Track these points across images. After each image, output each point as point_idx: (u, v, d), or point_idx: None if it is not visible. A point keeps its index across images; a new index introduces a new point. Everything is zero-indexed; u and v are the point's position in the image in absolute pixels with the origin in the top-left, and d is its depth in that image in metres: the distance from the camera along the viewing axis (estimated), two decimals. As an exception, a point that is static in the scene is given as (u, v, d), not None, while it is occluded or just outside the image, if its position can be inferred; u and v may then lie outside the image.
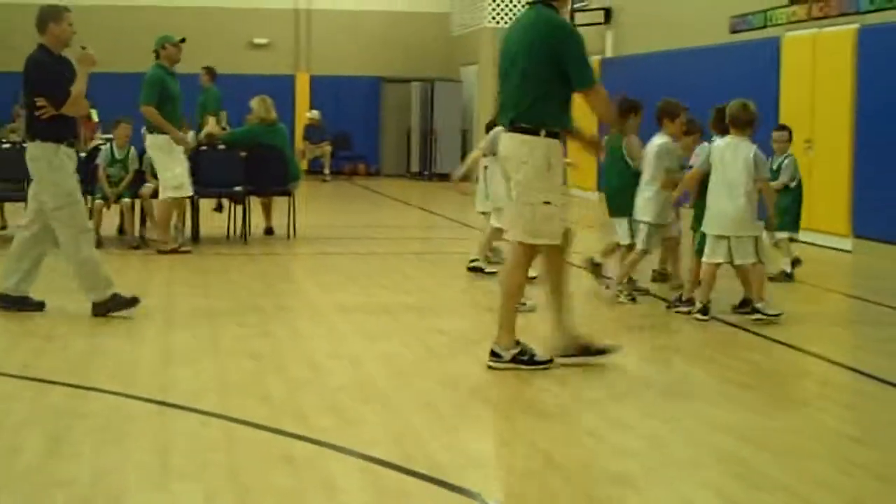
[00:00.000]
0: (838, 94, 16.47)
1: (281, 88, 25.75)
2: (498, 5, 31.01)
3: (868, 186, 15.49)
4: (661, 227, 11.44)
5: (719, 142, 10.76)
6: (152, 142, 14.78)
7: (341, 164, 31.92)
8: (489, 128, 12.70)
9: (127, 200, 15.56)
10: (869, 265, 11.57)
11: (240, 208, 16.26)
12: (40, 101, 10.21)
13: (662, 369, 9.14)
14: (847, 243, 16.06)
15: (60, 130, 10.36)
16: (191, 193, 15.03)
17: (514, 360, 8.43)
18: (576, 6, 26.24)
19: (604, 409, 7.51)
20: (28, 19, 10.83)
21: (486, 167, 13.02)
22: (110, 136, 16.74)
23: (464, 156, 32.07)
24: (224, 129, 19.89)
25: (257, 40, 32.21)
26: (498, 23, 30.87)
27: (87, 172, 14.20)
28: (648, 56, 23.21)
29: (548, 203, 8.34)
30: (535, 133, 8.32)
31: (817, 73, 17.19)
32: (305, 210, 18.78)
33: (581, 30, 26.15)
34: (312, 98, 32.39)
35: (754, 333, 10.06)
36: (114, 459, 6.34)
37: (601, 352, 8.67)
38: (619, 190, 11.92)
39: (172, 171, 14.69)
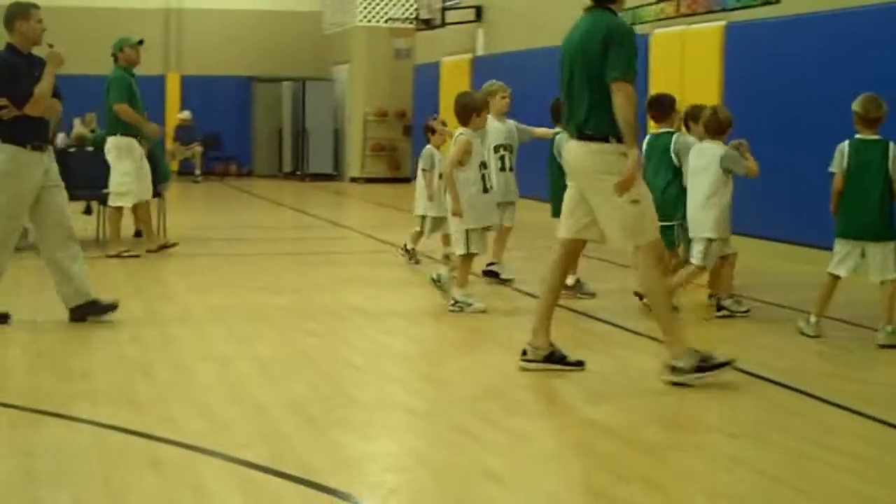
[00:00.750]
0: (706, 90, 16.67)
1: (151, 89, 25.44)
2: (369, 4, 31.04)
3: (737, 181, 15.65)
4: (722, 242, 10.80)
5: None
6: (112, 143, 14.63)
7: (213, 165, 31.74)
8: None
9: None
10: (747, 261, 11.70)
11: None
12: (1, 101, 9.77)
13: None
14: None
15: (23, 132, 9.89)
16: (130, 204, 14.98)
17: (701, 369, 8.04)
18: (447, 4, 26.32)
19: (473, 407, 7.52)
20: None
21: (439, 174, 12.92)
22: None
23: (336, 155, 32.10)
24: (93, 130, 19.65)
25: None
26: (369, 21, 30.91)
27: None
28: (519, 53, 23.34)
29: (636, 202, 8.08)
30: (605, 140, 8.14)
31: (686, 70, 17.42)
32: (176, 211, 18.62)
33: (451, 28, 26.36)
34: (183, 98, 32.15)
35: (631, 332, 10.16)
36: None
37: None
38: (668, 192, 11.07)
39: (122, 175, 14.55)
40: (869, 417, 7.30)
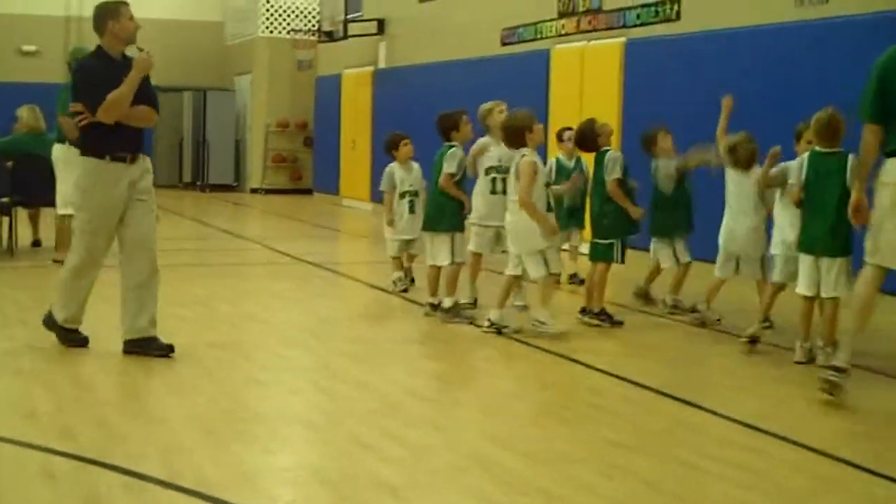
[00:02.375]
0: (606, 105, 16.85)
1: (51, 97, 25.13)
2: (271, 15, 30.98)
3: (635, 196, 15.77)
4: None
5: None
6: (61, 153, 14.52)
7: (113, 175, 31.41)
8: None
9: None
10: (625, 270, 11.83)
11: (6, 220, 15.88)
12: (76, 107, 9.22)
13: (430, 382, 9.18)
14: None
15: (102, 142, 9.18)
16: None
17: None
18: (349, 16, 26.33)
19: (372, 420, 7.54)
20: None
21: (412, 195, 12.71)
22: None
23: (237, 165, 31.95)
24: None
25: (26, 48, 31.53)
26: (272, 32, 30.84)
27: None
28: (421, 67, 23.41)
29: None
30: None
31: (586, 85, 17.59)
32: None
33: (354, 41, 26.32)
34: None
35: (532, 346, 10.20)
36: None
37: None
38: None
39: (69, 185, 14.43)
40: (764, 432, 7.41)
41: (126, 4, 9.39)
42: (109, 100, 9.03)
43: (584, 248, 12.09)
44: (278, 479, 6.44)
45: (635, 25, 16.76)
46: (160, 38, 32.73)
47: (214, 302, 12.38)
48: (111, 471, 6.27)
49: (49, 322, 9.61)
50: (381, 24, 25.84)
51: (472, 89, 20.01)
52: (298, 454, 6.95)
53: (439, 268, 11.31)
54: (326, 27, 27.36)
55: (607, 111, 16.70)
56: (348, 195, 27.29)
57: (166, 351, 9.20)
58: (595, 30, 17.71)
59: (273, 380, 8.77)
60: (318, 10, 29.13)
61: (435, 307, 11.30)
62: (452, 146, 11.38)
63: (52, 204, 16.13)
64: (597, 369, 9.30)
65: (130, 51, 9.42)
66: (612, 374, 9.10)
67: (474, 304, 11.64)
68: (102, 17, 9.31)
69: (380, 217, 13.92)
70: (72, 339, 9.54)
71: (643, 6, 16.58)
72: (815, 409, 8.10)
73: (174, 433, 7.14)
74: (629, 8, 16.90)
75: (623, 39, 16.89)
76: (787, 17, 13.76)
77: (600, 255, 11.12)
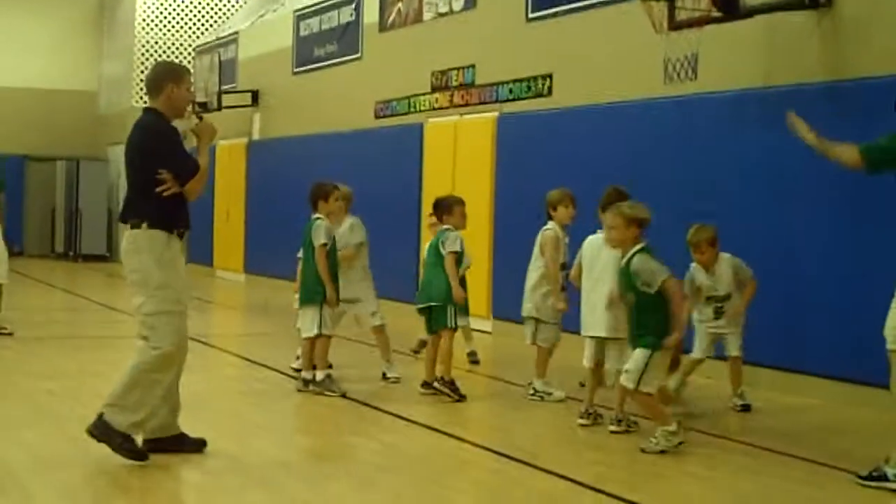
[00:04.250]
0: (479, 179, 17.04)
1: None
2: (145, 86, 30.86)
3: (505, 269, 15.94)
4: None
5: None
6: None
7: (-18, 245, 31.02)
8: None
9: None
10: (507, 344, 11.99)
11: None
12: (164, 176, 8.18)
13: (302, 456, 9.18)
14: (488, 325, 16.60)
15: (175, 215, 8.36)
16: None
17: None
18: (223, 87, 26.35)
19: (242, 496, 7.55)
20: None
21: None
22: None
23: (110, 235, 31.72)
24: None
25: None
26: (145, 102, 30.67)
27: None
28: (295, 138, 23.49)
29: None
30: None
31: (458, 158, 17.79)
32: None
33: (228, 112, 26.31)
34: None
35: (392, 414, 10.28)
36: None
37: None
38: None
39: None
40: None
41: (189, 73, 8.89)
42: (204, 169, 8.38)
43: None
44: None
45: (507, 100, 16.99)
46: (33, 107, 32.60)
47: (86, 376, 12.27)
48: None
49: (99, 425, 8.30)
50: (255, 96, 25.92)
51: (347, 161, 20.20)
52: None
53: (312, 340, 11.34)
54: (201, 98, 27.35)
55: (480, 187, 16.89)
56: (222, 266, 27.20)
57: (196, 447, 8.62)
58: (468, 104, 17.93)
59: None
60: (192, 80, 29.12)
61: (307, 382, 11.32)
62: (319, 219, 11.45)
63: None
64: (454, 437, 9.44)
65: (181, 122, 8.67)
66: (474, 444, 9.21)
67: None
68: (163, 78, 8.51)
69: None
70: (129, 448, 8.27)
71: (515, 81, 16.83)
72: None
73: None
74: (502, 83, 17.14)
75: (495, 114, 17.11)
76: (656, 93, 14.05)
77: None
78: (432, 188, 17.68)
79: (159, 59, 27.32)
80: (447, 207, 11.64)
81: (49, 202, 32.63)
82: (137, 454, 8.19)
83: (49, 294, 22.55)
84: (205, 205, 28.19)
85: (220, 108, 26.48)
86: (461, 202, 11.81)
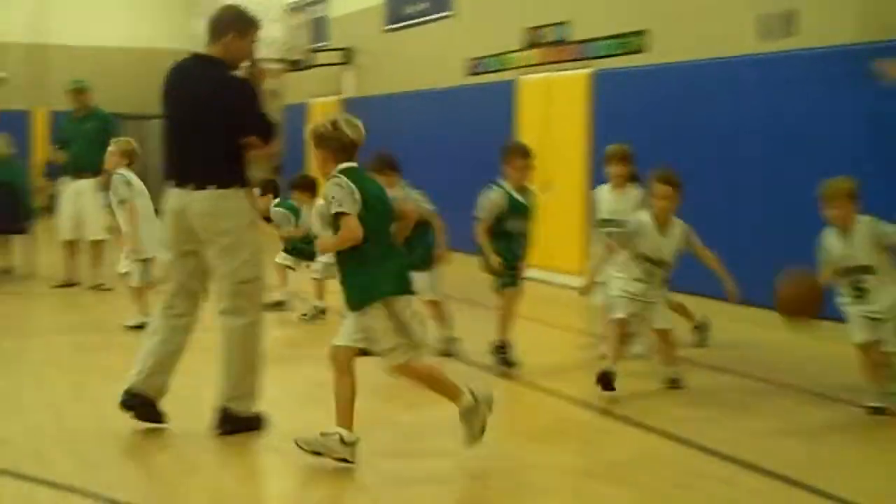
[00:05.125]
0: (572, 137, 16.98)
1: (15, 124, 25.16)
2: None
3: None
4: None
5: None
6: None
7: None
8: None
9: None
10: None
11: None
12: (251, 139, 7.75)
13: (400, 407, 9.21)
14: (580, 281, 16.52)
15: (244, 172, 7.90)
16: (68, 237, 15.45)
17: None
18: (315, 45, 26.43)
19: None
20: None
21: None
22: None
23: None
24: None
25: (-11, 75, 31.52)
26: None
27: None
28: (386, 97, 23.51)
29: None
30: None
31: (552, 116, 17.70)
32: (49, 249, 18.35)
33: (320, 70, 26.30)
34: (53, 134, 31.77)
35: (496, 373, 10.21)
36: None
37: None
38: None
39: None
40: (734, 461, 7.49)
41: (257, 27, 8.02)
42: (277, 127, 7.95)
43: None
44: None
45: (600, 56, 16.89)
46: (127, 66, 32.78)
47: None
48: (88, 497, 6.34)
49: (229, 420, 7.83)
50: (348, 53, 25.94)
51: (438, 119, 20.20)
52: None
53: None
54: (293, 56, 27.42)
55: (573, 143, 16.85)
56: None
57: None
58: (561, 61, 17.85)
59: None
60: (284, 39, 29.18)
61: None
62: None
63: (19, 231, 16.18)
64: (553, 393, 9.43)
65: None
66: (574, 400, 9.21)
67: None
68: (227, 25, 7.86)
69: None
70: (258, 425, 7.91)
71: (609, 37, 16.73)
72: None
73: (148, 460, 7.20)
74: (595, 39, 17.04)
75: (589, 70, 17.02)
76: (749, 50, 13.92)
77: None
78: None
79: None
80: (503, 155, 10.63)
81: (142, 160, 32.87)
82: (263, 421, 7.90)
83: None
84: (297, 164, 28.34)
85: (311, 66, 26.56)
86: (521, 152, 10.64)
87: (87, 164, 15.00)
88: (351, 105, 25.46)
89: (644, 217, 9.50)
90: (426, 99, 21.82)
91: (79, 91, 16.05)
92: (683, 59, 15.18)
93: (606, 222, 10.59)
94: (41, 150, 30.82)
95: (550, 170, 16.77)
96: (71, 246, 15.37)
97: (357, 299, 7.00)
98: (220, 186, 7.66)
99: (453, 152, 20.14)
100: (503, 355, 10.45)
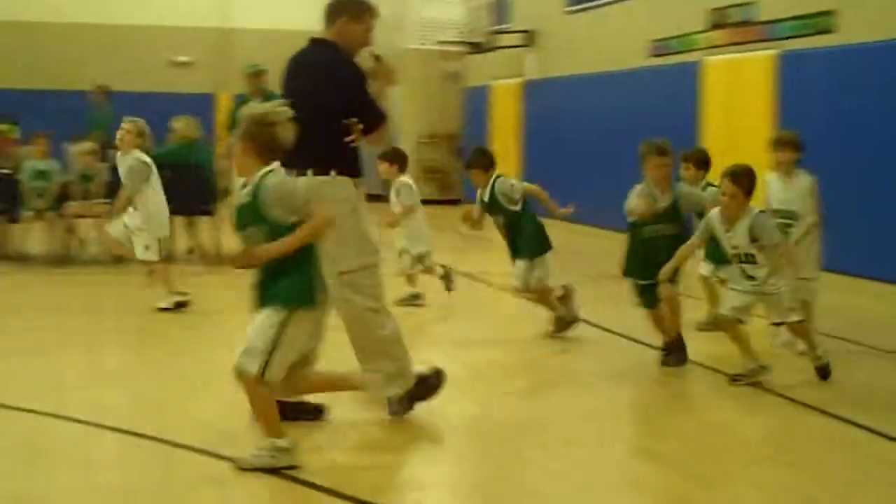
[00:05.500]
0: (758, 119, 16.70)
1: (201, 107, 25.61)
2: (422, 27, 31.02)
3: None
4: None
5: None
6: None
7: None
8: None
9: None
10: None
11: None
12: (352, 123, 7.61)
13: (590, 394, 9.18)
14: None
15: (355, 161, 7.74)
16: None
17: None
18: (497, 28, 26.42)
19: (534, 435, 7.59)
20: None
21: None
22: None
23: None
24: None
25: (178, 58, 32.10)
26: (421, 44, 30.86)
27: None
28: (568, 79, 23.39)
29: None
30: None
31: (737, 98, 17.44)
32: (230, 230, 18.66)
33: (501, 52, 26.30)
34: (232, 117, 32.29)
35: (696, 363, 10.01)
36: (39, 480, 6.36)
37: None
38: None
39: None
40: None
41: (373, 13, 7.98)
42: (389, 119, 7.74)
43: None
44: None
45: (787, 37, 16.59)
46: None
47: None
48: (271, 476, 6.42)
49: (399, 407, 7.80)
50: (530, 35, 25.87)
51: (619, 102, 20.04)
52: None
53: None
54: (474, 38, 27.45)
55: (759, 126, 16.57)
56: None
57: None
58: (746, 42, 17.57)
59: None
60: (465, 21, 29.22)
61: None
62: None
63: (206, 212, 16.47)
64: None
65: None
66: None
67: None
68: (339, 10, 7.86)
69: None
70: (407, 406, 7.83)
71: (796, 18, 16.42)
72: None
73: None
74: (782, 20, 16.74)
75: (775, 52, 16.72)
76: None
77: None
78: (710, 129, 17.45)
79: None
80: (641, 155, 10.05)
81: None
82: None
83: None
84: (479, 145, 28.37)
85: (493, 48, 26.56)
86: (659, 150, 9.96)
87: None
88: (532, 87, 25.41)
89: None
90: (607, 81, 21.65)
91: (255, 74, 16.30)
92: (874, 39, 14.82)
93: (777, 213, 10.24)
94: (224, 132, 31.43)
95: (737, 155, 16.54)
96: None
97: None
98: (318, 172, 7.52)
99: (635, 135, 19.94)
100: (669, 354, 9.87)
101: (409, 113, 31.32)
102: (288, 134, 6.59)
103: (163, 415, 7.86)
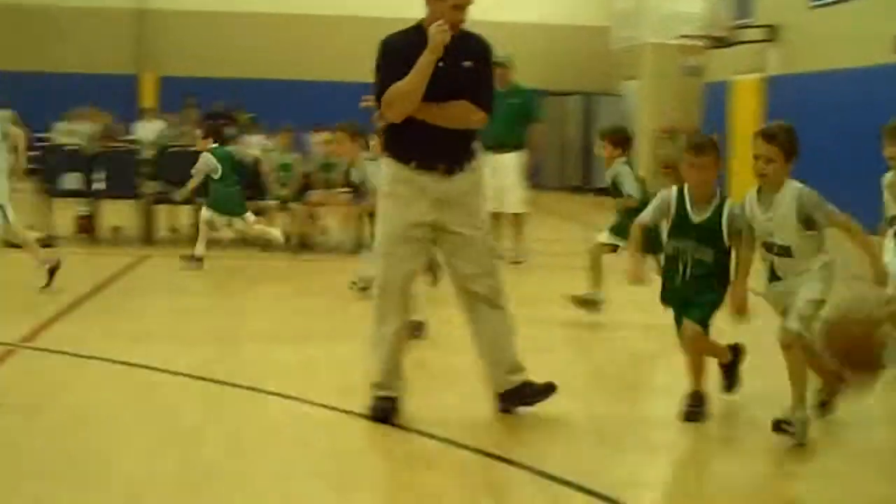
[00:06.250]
0: None
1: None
2: (660, 21, 30.85)
3: None
4: None
5: None
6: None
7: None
8: None
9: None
10: None
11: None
12: (368, 100, 7.51)
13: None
14: None
15: (407, 143, 7.30)
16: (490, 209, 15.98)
17: None
18: (739, 22, 26.12)
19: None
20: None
21: None
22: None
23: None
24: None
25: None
26: (663, 39, 30.63)
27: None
28: (812, 75, 22.99)
29: None
30: None
31: None
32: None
33: (742, 47, 25.91)
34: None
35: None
36: (294, 462, 6.52)
37: None
38: None
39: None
40: None
41: None
42: (394, 92, 7.05)
43: None
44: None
45: None
46: (544, 43, 33.20)
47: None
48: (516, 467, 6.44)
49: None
50: (774, 30, 25.47)
51: (863, 99, 19.61)
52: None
53: None
54: (715, 33, 27.17)
55: None
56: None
57: (542, 393, 7.50)
58: None
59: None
60: (705, 15, 28.92)
61: None
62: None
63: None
64: None
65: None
66: None
67: None
68: None
69: None
70: (380, 408, 7.35)
71: None
72: None
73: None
74: None
75: None
76: None
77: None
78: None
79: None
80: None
81: (560, 136, 33.16)
82: (382, 412, 7.30)
83: (563, 226, 22.98)
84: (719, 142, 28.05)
85: (735, 42, 26.26)
86: (697, 147, 7.74)
87: (508, 139, 15.15)
88: (774, 83, 25.03)
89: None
90: (851, 77, 21.21)
91: (501, 67, 16.36)
92: None
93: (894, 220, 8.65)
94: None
95: None
96: (495, 219, 15.63)
97: None
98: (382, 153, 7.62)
99: (874, 133, 19.48)
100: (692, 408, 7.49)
101: (646, 107, 31.19)
102: None
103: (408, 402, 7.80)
